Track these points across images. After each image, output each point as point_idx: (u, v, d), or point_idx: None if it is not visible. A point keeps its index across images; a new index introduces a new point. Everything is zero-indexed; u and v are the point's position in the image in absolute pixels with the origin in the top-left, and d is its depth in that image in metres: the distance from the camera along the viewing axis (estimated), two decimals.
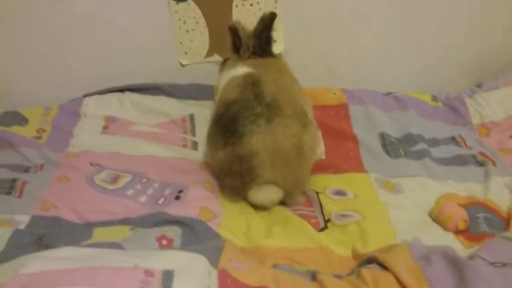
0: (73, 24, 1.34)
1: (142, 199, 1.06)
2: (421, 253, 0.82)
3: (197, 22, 1.38)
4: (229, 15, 1.37)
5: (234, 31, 1.13)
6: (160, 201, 1.05)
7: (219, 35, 1.40)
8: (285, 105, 1.01)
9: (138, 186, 1.09)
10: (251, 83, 1.03)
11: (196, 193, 1.07)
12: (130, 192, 1.07)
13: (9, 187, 1.06)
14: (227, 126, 1.01)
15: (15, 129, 1.28)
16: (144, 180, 1.12)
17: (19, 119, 1.32)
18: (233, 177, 1.02)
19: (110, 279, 0.61)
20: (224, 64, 1.22)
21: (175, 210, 0.98)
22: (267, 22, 1.14)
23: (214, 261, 0.73)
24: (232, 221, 1.01)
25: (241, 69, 1.09)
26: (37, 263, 0.63)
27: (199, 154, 1.25)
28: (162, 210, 0.98)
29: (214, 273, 0.70)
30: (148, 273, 0.63)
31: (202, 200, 1.04)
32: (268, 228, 1.01)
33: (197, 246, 0.77)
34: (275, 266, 0.84)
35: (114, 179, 1.11)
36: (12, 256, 0.81)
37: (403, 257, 0.81)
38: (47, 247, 0.85)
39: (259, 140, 0.98)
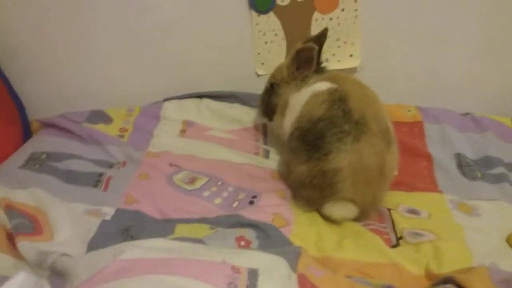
0: (157, 29, 1.41)
1: (218, 201, 1.10)
2: (501, 278, 0.80)
3: (276, 34, 1.41)
4: (308, 28, 1.40)
5: (309, 51, 1.11)
6: (235, 205, 1.09)
7: None
8: (372, 122, 1.00)
9: (214, 189, 1.14)
10: (339, 99, 1.02)
11: (269, 200, 1.09)
12: (206, 193, 1.12)
13: (96, 181, 1.14)
14: (313, 142, 1.01)
15: (101, 127, 1.36)
16: (219, 183, 1.16)
17: (105, 118, 1.41)
18: (312, 190, 1.03)
19: (201, 271, 0.64)
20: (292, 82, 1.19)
21: (249, 214, 1.01)
22: (325, 38, 1.18)
23: (293, 265, 0.74)
24: (303, 230, 1.02)
25: (323, 85, 1.08)
26: (134, 250, 0.68)
27: (271, 162, 1.28)
28: (237, 213, 1.02)
29: (294, 276, 0.72)
30: (235, 269, 0.66)
31: (275, 207, 1.06)
32: (339, 240, 1.01)
33: (277, 249, 0.79)
34: (348, 277, 0.84)
35: (192, 180, 1.16)
36: (101, 244, 0.87)
37: (483, 280, 0.79)
38: (132, 238, 0.90)
39: (345, 158, 0.97)
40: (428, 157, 1.26)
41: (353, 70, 1.44)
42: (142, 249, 0.69)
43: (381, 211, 1.09)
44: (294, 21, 1.39)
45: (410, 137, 1.32)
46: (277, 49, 1.43)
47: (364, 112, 1.00)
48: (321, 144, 0.99)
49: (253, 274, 0.67)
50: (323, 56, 1.42)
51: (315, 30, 1.39)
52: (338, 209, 1.03)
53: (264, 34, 1.41)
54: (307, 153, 1.02)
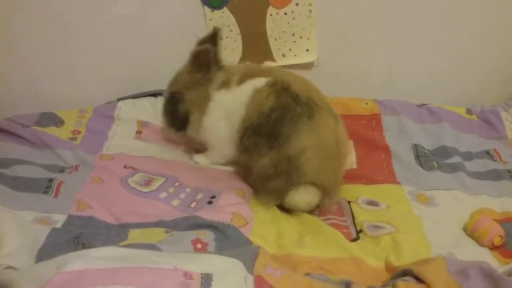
0: (109, 27, 1.36)
1: (175, 202, 1.07)
2: (458, 268, 0.81)
3: (231, 30, 1.39)
4: (263, 23, 1.38)
5: (206, 53, 1.10)
6: (193, 205, 1.06)
7: (252, 43, 1.42)
8: (318, 101, 1.05)
9: (171, 190, 1.11)
10: (282, 88, 1.05)
11: (228, 199, 1.07)
12: (163, 195, 1.08)
13: (46, 187, 1.08)
14: (269, 133, 1.02)
15: (51, 130, 1.30)
16: (176, 184, 1.13)
17: (55, 120, 1.34)
18: (279, 179, 1.03)
19: (152, 280, 0.62)
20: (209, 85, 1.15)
21: (208, 214, 0.99)
22: (219, 37, 1.15)
23: (249, 267, 0.73)
24: (263, 228, 1.01)
25: (259, 81, 1.08)
26: (79, 261, 0.64)
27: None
28: (195, 214, 0.99)
29: (251, 278, 0.70)
30: (188, 275, 0.64)
31: (234, 206, 1.04)
32: (299, 236, 1.00)
33: (233, 251, 0.77)
34: (307, 274, 0.83)
35: (148, 182, 1.12)
36: (50, 254, 0.83)
37: (440, 271, 0.79)
38: (84, 246, 0.86)
39: (305, 137, 1.01)
40: (386, 149, 1.27)
41: (310, 64, 1.44)
42: (89, 259, 0.65)
43: (341, 204, 1.09)
44: (248, 16, 1.37)
45: (368, 129, 1.33)
46: (233, 44, 1.41)
47: (309, 94, 1.05)
48: (279, 131, 1.01)
49: (206, 279, 0.65)
50: (280, 51, 1.42)
51: (270, 25, 1.38)
52: (303, 195, 1.05)
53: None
54: (266, 145, 1.03)
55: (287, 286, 0.71)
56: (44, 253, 0.85)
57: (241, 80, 1.11)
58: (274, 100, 1.03)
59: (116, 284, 0.60)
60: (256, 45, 1.41)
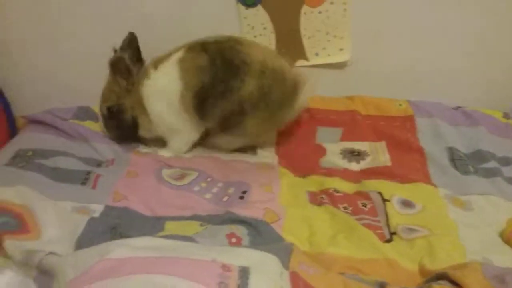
0: (143, 28, 1.36)
1: (208, 196, 1.08)
2: (494, 274, 0.80)
3: (265, 28, 1.40)
4: (296, 22, 1.38)
5: (121, 62, 1.17)
6: (225, 199, 1.07)
7: (286, 41, 1.42)
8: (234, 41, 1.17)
9: (203, 184, 1.12)
10: (202, 46, 1.15)
11: (259, 195, 1.08)
12: (196, 188, 1.10)
13: (84, 178, 1.11)
14: (226, 79, 1.12)
15: (89, 124, 1.33)
16: (208, 179, 1.14)
17: (92, 115, 1.38)
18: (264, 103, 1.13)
19: (191, 270, 0.63)
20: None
21: (240, 210, 1.00)
22: (135, 40, 1.21)
23: (285, 263, 0.73)
24: (295, 225, 1.01)
25: (174, 56, 1.16)
26: (121, 249, 0.66)
27: (259, 158, 1.27)
28: (228, 210, 1.00)
29: (286, 274, 0.71)
30: (226, 268, 0.65)
31: (265, 202, 1.05)
32: (332, 235, 1.00)
33: (268, 246, 0.77)
34: (341, 274, 0.83)
35: (181, 176, 1.14)
36: (89, 242, 0.86)
37: (476, 276, 0.78)
38: (121, 236, 0.88)
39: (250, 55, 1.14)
40: (420, 152, 1.25)
41: (343, 64, 1.43)
42: (130, 248, 0.67)
43: (375, 201, 1.08)
44: (282, 15, 1.37)
45: (402, 131, 1.31)
46: (267, 42, 1.41)
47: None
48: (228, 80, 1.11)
49: (244, 273, 0.66)
50: (313, 50, 1.42)
51: (304, 24, 1.37)
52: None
53: (252, 28, 1.39)
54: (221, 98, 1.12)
55: (322, 283, 0.71)
56: (83, 242, 0.88)
57: (156, 64, 1.18)
58: (206, 58, 1.12)
59: (157, 273, 0.62)
60: (290, 44, 1.41)
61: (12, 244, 0.84)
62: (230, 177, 1.16)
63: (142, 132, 1.25)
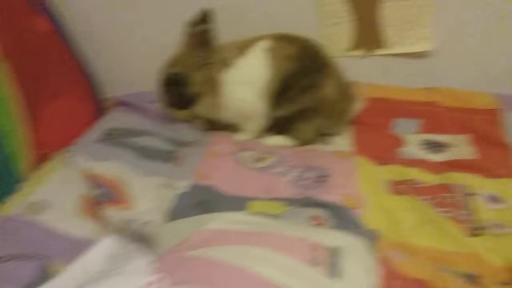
0: (228, 13, 1.40)
1: (287, 178, 1.09)
2: None
3: (344, 16, 1.39)
4: (378, 9, 1.36)
5: (205, 33, 1.16)
6: (303, 183, 1.08)
7: (365, 29, 1.40)
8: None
9: (282, 168, 1.14)
10: (288, 38, 1.21)
11: (338, 181, 1.08)
12: (275, 170, 1.12)
13: (169, 157, 1.16)
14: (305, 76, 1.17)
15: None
16: (287, 164, 1.16)
17: None
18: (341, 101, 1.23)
19: (283, 246, 0.65)
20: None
21: (320, 194, 1.01)
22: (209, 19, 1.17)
23: (373, 247, 0.73)
24: (376, 213, 1.00)
25: (260, 44, 1.19)
26: (216, 222, 0.69)
27: (333, 147, 1.27)
28: (308, 194, 1.01)
29: (375, 258, 0.71)
30: (317, 245, 0.66)
31: (345, 188, 1.05)
32: (414, 225, 0.98)
33: (357, 230, 0.78)
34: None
35: (259, 159, 1.17)
36: (177, 216, 0.90)
37: None
38: (207, 212, 0.91)
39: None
40: (506, 147, 1.20)
41: (425, 54, 1.40)
42: (225, 221, 0.70)
43: (460, 196, 1.06)
44: (364, 2, 1.35)
45: (487, 125, 1.26)
46: (344, 30, 1.41)
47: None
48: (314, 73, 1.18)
49: (335, 252, 0.67)
50: (394, 39, 1.39)
51: (386, 11, 1.35)
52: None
53: (330, 16, 1.39)
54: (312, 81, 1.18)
55: (412, 270, 0.71)
56: (173, 215, 0.93)
57: (239, 54, 1.19)
58: (295, 49, 1.17)
59: (250, 244, 0.64)
60: (369, 32, 1.40)
61: (109, 213, 0.91)
62: (308, 163, 1.17)
63: (199, 110, 1.24)
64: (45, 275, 0.78)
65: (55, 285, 0.68)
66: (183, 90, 1.20)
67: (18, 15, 1.23)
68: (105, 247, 0.75)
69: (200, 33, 1.14)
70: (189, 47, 1.17)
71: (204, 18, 1.17)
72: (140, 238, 0.80)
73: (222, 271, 0.59)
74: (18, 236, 0.87)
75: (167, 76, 1.20)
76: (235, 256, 0.62)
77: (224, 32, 1.20)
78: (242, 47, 1.21)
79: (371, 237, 0.77)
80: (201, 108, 1.23)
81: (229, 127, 1.30)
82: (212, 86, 1.20)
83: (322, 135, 1.30)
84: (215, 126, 1.32)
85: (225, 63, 1.19)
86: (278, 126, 1.26)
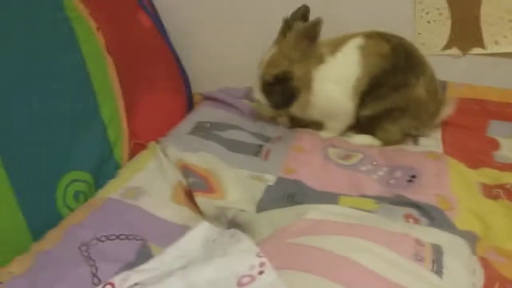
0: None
1: (375, 176, 1.08)
2: None
3: (440, 14, 1.34)
4: (478, 7, 1.30)
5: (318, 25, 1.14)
6: (392, 182, 1.06)
7: (462, 28, 1.35)
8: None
9: (370, 166, 1.13)
10: (380, 36, 1.19)
11: (429, 181, 1.05)
12: (363, 168, 1.11)
13: (256, 151, 1.19)
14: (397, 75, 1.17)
15: (256, 105, 1.42)
16: (374, 163, 1.15)
17: None
18: (431, 101, 1.21)
19: (386, 240, 0.65)
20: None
21: (410, 194, 0.98)
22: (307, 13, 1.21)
23: (473, 248, 0.71)
24: (469, 216, 0.96)
25: (352, 42, 1.19)
26: (316, 212, 0.70)
27: (421, 148, 1.23)
28: (399, 193, 0.99)
29: (475, 258, 0.69)
30: (419, 242, 0.65)
31: (437, 189, 1.02)
32: (509, 230, 0.93)
33: (454, 230, 0.76)
34: None
35: (346, 157, 1.16)
36: (269, 207, 0.92)
37: None
38: (298, 204, 0.93)
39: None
40: None
41: None
42: (324, 212, 0.71)
43: None
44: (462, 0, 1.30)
45: None
46: (440, 29, 1.36)
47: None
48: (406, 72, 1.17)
49: (438, 249, 0.65)
50: (492, 38, 1.33)
51: (485, 9, 1.29)
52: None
53: (427, 13, 1.35)
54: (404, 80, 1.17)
55: (510, 272, 0.68)
56: (263, 206, 0.95)
57: (329, 49, 1.18)
58: (388, 47, 1.16)
59: (352, 235, 0.65)
60: (466, 31, 1.35)
61: (203, 200, 0.95)
62: (396, 162, 1.14)
63: (294, 109, 1.24)
64: (145, 256, 0.82)
65: (157, 264, 0.73)
66: (288, 87, 1.19)
67: (124, 10, 1.32)
68: (202, 232, 0.79)
69: (317, 23, 1.12)
70: (297, 39, 1.15)
71: (304, 13, 1.20)
72: (236, 226, 0.83)
73: (325, 258, 0.60)
74: (118, 218, 0.93)
75: (274, 76, 1.18)
76: (338, 245, 0.63)
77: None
78: (337, 44, 1.21)
79: (469, 238, 0.75)
80: (297, 104, 1.23)
81: (312, 125, 1.31)
82: (309, 82, 1.19)
83: (409, 136, 1.27)
84: (299, 123, 1.33)
85: (321, 60, 1.19)
86: (363, 125, 1.25)
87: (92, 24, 1.19)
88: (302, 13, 1.21)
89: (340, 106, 1.22)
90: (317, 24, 1.12)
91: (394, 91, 1.17)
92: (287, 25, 1.18)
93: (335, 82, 1.19)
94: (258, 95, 1.22)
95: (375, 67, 1.16)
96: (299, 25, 1.17)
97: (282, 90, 1.19)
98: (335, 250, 0.61)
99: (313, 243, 0.63)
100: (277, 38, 1.20)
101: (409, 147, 1.25)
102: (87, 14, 1.19)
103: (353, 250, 0.61)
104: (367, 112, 1.21)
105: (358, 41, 1.19)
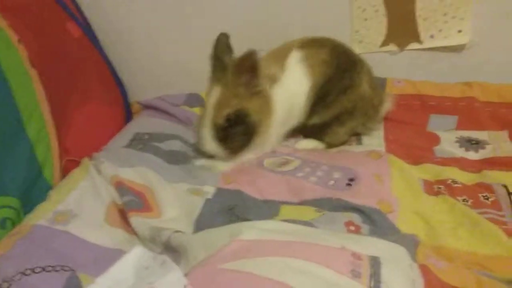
0: (257, 13, 1.38)
1: (312, 179, 1.05)
2: None
3: (376, 11, 1.34)
4: (412, 2, 1.30)
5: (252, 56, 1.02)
6: (330, 183, 1.03)
7: (398, 23, 1.35)
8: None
9: (307, 169, 1.09)
10: (315, 42, 1.17)
11: (368, 183, 1.03)
12: (300, 174, 1.07)
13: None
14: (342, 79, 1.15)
15: (198, 110, 1.38)
16: (312, 164, 1.12)
17: (201, 101, 1.42)
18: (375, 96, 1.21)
19: (323, 256, 0.62)
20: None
21: (351, 197, 0.97)
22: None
23: (413, 255, 0.70)
24: (410, 217, 0.95)
25: (293, 54, 1.15)
26: (251, 231, 0.67)
27: (364, 148, 1.22)
28: (338, 197, 0.97)
29: (415, 266, 0.67)
30: (356, 256, 0.63)
31: (376, 191, 1.00)
32: (451, 228, 0.93)
33: (394, 237, 0.74)
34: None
35: (283, 163, 1.13)
36: (207, 223, 0.88)
37: None
38: (239, 218, 0.89)
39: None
40: None
41: (461, 47, 1.33)
42: (259, 230, 0.68)
43: (499, 196, 1.00)
44: None
45: None
46: (377, 26, 1.36)
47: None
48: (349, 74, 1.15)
49: (375, 262, 0.63)
50: (428, 32, 1.34)
51: (420, 4, 1.30)
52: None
53: (363, 10, 1.34)
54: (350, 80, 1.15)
55: (454, 279, 0.67)
56: (201, 222, 0.91)
57: (281, 67, 1.13)
58: (326, 51, 1.14)
59: (289, 256, 0.61)
60: (402, 26, 1.35)
61: (137, 220, 0.89)
62: (336, 163, 1.12)
63: (257, 141, 1.12)
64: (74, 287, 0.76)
65: None
66: (247, 123, 1.07)
67: (50, 20, 1.23)
68: (135, 258, 0.74)
69: (250, 55, 1.01)
70: (236, 76, 1.04)
71: (227, 43, 1.10)
72: (171, 249, 0.78)
73: (260, 285, 0.56)
74: (45, 247, 0.86)
75: (220, 122, 1.06)
76: (274, 269, 0.59)
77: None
78: (279, 57, 1.15)
79: (410, 243, 0.73)
80: (258, 138, 1.12)
81: None
82: (266, 109, 1.10)
83: (353, 135, 1.26)
84: None
85: (274, 80, 1.12)
86: (311, 132, 1.22)
87: (12, 36, 1.11)
88: (225, 43, 1.09)
89: (287, 121, 1.17)
90: (252, 55, 1.01)
91: (342, 94, 1.14)
92: (218, 61, 1.09)
93: (289, 99, 1.14)
94: (211, 145, 1.09)
95: (320, 76, 1.13)
96: (231, 60, 1.07)
97: (243, 130, 1.08)
98: (270, 275, 0.57)
99: (247, 268, 0.59)
100: (212, 77, 1.11)
101: (352, 147, 1.23)
102: (6, 25, 1.10)
103: (290, 272, 0.58)
104: (315, 120, 1.18)
105: (297, 54, 1.14)
